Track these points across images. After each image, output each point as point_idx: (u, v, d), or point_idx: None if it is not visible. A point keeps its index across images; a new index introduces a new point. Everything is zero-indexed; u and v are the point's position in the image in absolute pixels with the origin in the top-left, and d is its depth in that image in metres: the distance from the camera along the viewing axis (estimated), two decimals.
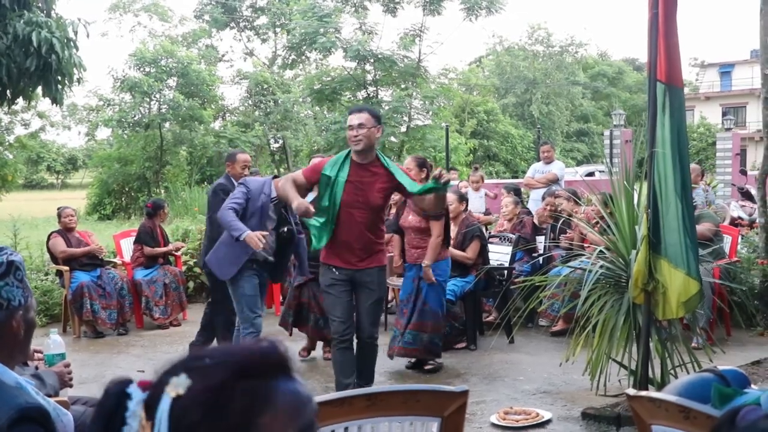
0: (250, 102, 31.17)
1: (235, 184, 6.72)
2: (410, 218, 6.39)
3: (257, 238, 5.34)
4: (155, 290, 8.36)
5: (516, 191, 9.48)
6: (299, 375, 1.04)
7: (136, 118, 25.88)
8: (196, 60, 27.59)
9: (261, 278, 5.83)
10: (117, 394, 1.04)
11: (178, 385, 0.97)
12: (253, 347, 1.01)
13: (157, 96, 25.48)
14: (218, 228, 6.29)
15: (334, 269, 5.14)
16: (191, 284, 9.49)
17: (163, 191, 25.49)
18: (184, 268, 9.19)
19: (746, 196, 13.30)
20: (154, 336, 8.05)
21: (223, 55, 34.99)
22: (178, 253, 9.20)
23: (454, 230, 7.34)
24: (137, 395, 1.02)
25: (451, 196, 7.62)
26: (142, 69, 25.18)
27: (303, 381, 1.03)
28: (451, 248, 7.11)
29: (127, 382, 1.05)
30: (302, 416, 0.98)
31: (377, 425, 2.34)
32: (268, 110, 29.61)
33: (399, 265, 7.42)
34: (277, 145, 31.23)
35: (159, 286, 8.39)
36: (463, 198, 7.50)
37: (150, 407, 0.99)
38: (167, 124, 26.23)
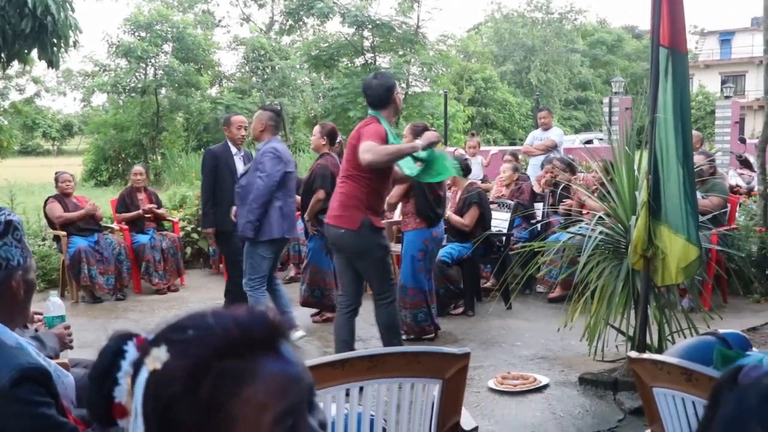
0: (247, 68, 30.96)
1: (232, 148, 6.70)
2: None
3: None
4: (154, 255, 8.36)
5: (514, 156, 9.47)
6: (293, 347, 0.98)
7: (132, 84, 25.71)
8: (192, 25, 27.35)
9: None
10: (113, 352, 1.01)
11: (157, 358, 0.93)
12: (241, 320, 0.95)
13: (153, 61, 25.28)
14: (203, 192, 6.55)
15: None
16: (188, 250, 9.50)
17: (159, 157, 25.43)
18: (181, 233, 9.18)
19: (744, 164, 13.27)
20: (152, 301, 8.06)
21: (219, 21, 34.73)
22: (176, 219, 9.21)
23: (455, 196, 7.33)
24: (131, 354, 1.00)
25: None
26: (136, 34, 24.96)
27: (295, 355, 0.97)
28: (450, 214, 7.12)
29: (127, 338, 1.02)
30: (286, 397, 0.93)
31: (378, 387, 2.34)
32: (266, 76, 29.44)
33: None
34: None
35: (158, 252, 8.39)
36: (465, 166, 7.41)
37: (135, 372, 0.97)
38: (163, 90, 26.07)
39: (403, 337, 6.33)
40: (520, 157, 10.78)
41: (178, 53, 25.45)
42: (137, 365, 0.97)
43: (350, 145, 5.01)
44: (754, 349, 2.38)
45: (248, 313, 0.96)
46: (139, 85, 25.52)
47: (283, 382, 0.94)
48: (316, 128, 6.77)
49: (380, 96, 5.03)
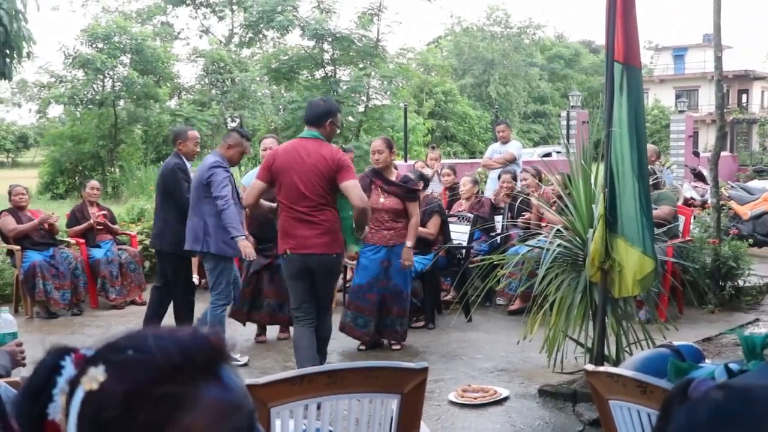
0: (206, 80, 30.77)
1: (187, 163, 6.59)
2: (382, 200, 6.30)
3: (247, 251, 5.65)
4: (111, 270, 8.24)
5: (452, 170, 9.66)
6: (234, 372, 0.94)
7: (89, 96, 25.37)
8: (151, 37, 27.11)
9: None
10: (50, 368, 0.97)
11: (93, 378, 0.90)
12: (183, 343, 0.91)
13: (111, 73, 24.99)
14: (177, 207, 6.24)
15: None
16: (147, 264, 9.37)
17: (117, 170, 25.10)
18: (139, 247, 9.05)
19: (698, 177, 13.54)
20: (109, 316, 7.94)
21: (178, 33, 34.49)
22: (134, 233, 9.10)
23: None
24: (68, 371, 0.95)
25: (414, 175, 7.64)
26: (94, 45, 24.67)
27: (236, 379, 0.95)
28: None
29: (65, 353, 0.98)
30: (227, 424, 0.90)
31: (337, 402, 2.33)
32: (225, 89, 29.28)
33: None
34: (234, 124, 30.88)
35: (115, 267, 8.27)
36: (423, 178, 7.50)
37: (71, 390, 0.93)
38: (121, 102, 25.77)
39: (362, 347, 6.39)
40: (480, 170, 10.86)
41: (137, 65, 25.20)
42: (73, 383, 0.93)
43: (321, 170, 5.00)
44: (707, 360, 2.41)
45: (190, 335, 0.93)
46: (97, 97, 25.19)
47: (222, 408, 0.90)
48: (270, 141, 6.73)
49: (318, 117, 5.12)
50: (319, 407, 2.33)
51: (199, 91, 31.00)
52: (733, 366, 1.96)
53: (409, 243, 6.16)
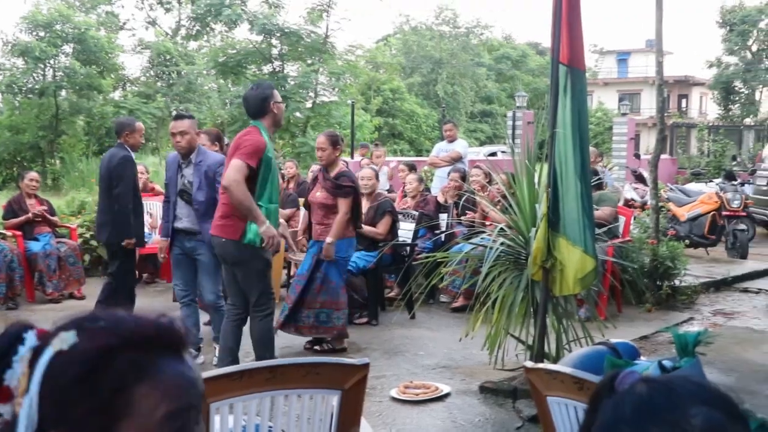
0: (152, 72, 30.28)
1: (132, 155, 6.49)
2: (318, 194, 6.28)
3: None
4: (48, 264, 8.05)
5: (412, 167, 9.60)
6: (191, 358, 1.02)
7: (29, 85, 24.74)
8: (95, 26, 26.55)
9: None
10: (11, 336, 1.01)
11: (64, 340, 0.96)
12: (151, 320, 1.00)
13: (52, 62, 24.41)
14: (123, 201, 6.14)
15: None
16: (87, 258, 9.19)
17: (58, 162, 24.55)
18: (79, 240, 8.87)
19: (639, 179, 13.82)
20: (46, 310, 7.76)
21: (124, 23, 33.82)
22: (74, 226, 8.91)
23: (366, 206, 7.37)
24: (30, 341, 1.00)
25: (368, 172, 7.63)
26: (35, 33, 24.06)
27: (193, 365, 1.02)
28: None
29: (27, 327, 1.03)
30: (180, 397, 0.97)
31: (277, 398, 2.32)
32: (171, 81, 28.87)
33: (301, 239, 7.42)
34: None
35: (53, 260, 8.08)
36: (377, 175, 7.55)
37: (35, 357, 0.98)
38: (63, 92, 25.18)
39: (308, 346, 6.33)
40: (426, 168, 10.91)
41: (80, 55, 24.65)
42: (38, 350, 0.98)
43: (230, 153, 5.01)
44: (642, 357, 2.46)
45: (161, 316, 1.01)
46: (37, 87, 24.58)
47: (180, 383, 0.98)
48: (204, 137, 6.67)
49: (257, 106, 5.08)
50: (259, 403, 2.31)
51: (144, 83, 30.48)
52: (667, 363, 2.01)
53: (329, 239, 6.06)
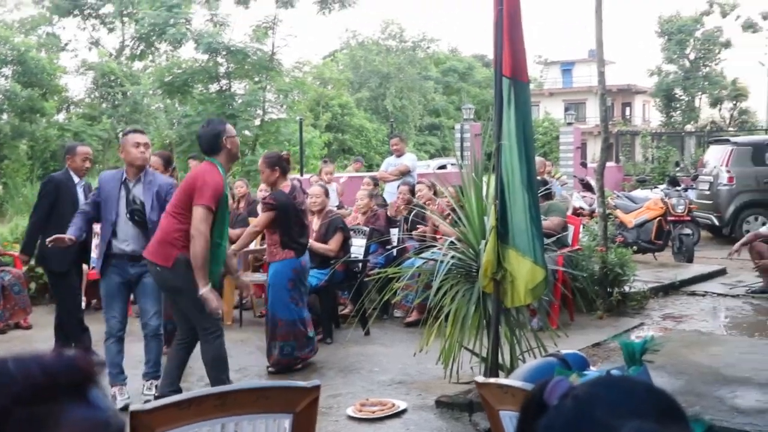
0: (96, 94, 29.78)
1: (75, 178, 6.37)
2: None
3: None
4: None
5: (376, 183, 9.63)
6: (103, 393, 0.96)
7: None
8: (36, 47, 26.08)
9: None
10: None
11: None
12: (47, 364, 0.92)
13: None
14: (58, 224, 5.99)
15: None
16: (33, 285, 8.97)
17: (1, 187, 23.99)
18: (24, 269, 8.65)
19: (587, 187, 14.03)
20: None
21: (66, 44, 33.27)
22: (17, 253, 8.68)
23: (317, 223, 7.36)
24: None
25: (317, 190, 7.60)
26: None
27: (105, 400, 0.95)
28: (312, 242, 7.12)
29: None
30: None
31: (227, 425, 2.28)
32: (116, 102, 28.43)
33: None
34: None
35: None
36: (327, 192, 7.56)
37: None
38: (5, 116, 24.65)
39: (271, 369, 6.23)
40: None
41: (20, 77, 24.17)
42: None
43: (186, 186, 4.93)
44: (592, 367, 2.49)
45: (55, 357, 0.93)
46: None
47: (88, 428, 0.92)
48: (156, 159, 6.57)
49: (210, 142, 5.02)
50: (209, 431, 2.27)
51: (89, 105, 29.97)
52: (615, 372, 2.02)
53: (233, 247, 6.06)
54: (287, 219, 6.14)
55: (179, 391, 5.00)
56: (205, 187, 4.80)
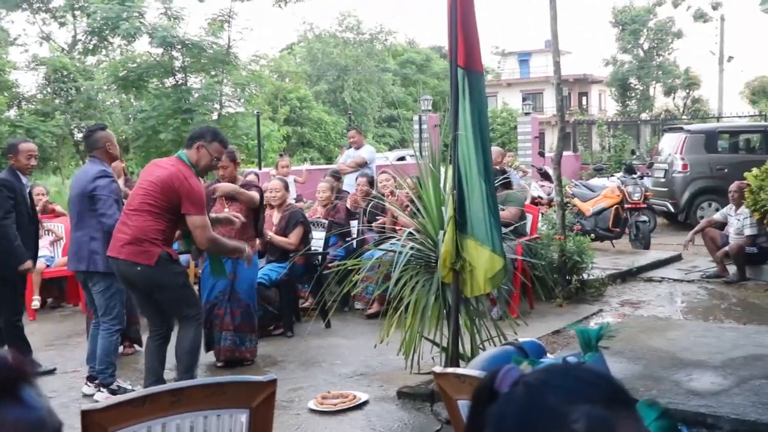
0: (49, 89, 29.24)
1: (22, 177, 6.15)
2: (227, 210, 6.23)
3: None
4: None
5: (336, 175, 9.59)
6: (37, 392, 0.94)
7: None
8: None
9: None
10: None
11: None
12: None
13: None
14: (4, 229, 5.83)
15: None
16: None
17: None
18: None
19: (545, 176, 14.15)
20: None
21: (15, 39, 32.59)
22: None
23: (276, 216, 7.33)
24: None
25: (277, 184, 7.55)
26: None
27: (39, 399, 0.94)
28: (272, 235, 7.12)
29: None
30: None
31: (183, 421, 2.25)
32: (70, 98, 27.94)
33: None
34: (81, 135, 29.55)
35: None
36: (287, 186, 7.54)
37: None
38: None
39: (219, 364, 6.19)
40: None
41: None
42: None
43: (164, 185, 4.86)
44: (549, 355, 2.50)
45: None
46: None
47: (22, 427, 0.90)
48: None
49: (190, 136, 5.12)
50: (164, 429, 2.24)
51: (41, 101, 29.40)
52: (571, 359, 2.03)
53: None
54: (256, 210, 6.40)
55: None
56: (191, 194, 4.84)
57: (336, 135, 37.25)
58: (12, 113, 27.92)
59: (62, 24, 32.55)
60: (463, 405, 2.32)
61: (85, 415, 2.08)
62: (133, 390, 5.22)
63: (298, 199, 10.61)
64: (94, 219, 5.42)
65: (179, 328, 5.12)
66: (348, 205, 8.57)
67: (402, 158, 20.02)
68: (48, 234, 8.69)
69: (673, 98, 35.34)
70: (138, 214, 4.88)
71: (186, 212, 4.84)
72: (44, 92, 29.87)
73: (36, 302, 8.18)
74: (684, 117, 31.14)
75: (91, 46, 25.43)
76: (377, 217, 7.81)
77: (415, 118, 20.56)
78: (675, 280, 9.15)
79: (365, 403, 5.16)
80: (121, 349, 6.23)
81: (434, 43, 53.06)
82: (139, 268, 4.86)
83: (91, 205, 5.42)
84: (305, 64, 41.56)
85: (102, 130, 5.68)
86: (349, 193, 9.47)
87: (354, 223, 8.35)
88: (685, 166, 13.94)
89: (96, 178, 5.41)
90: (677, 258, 10.31)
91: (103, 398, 5.16)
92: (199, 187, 4.95)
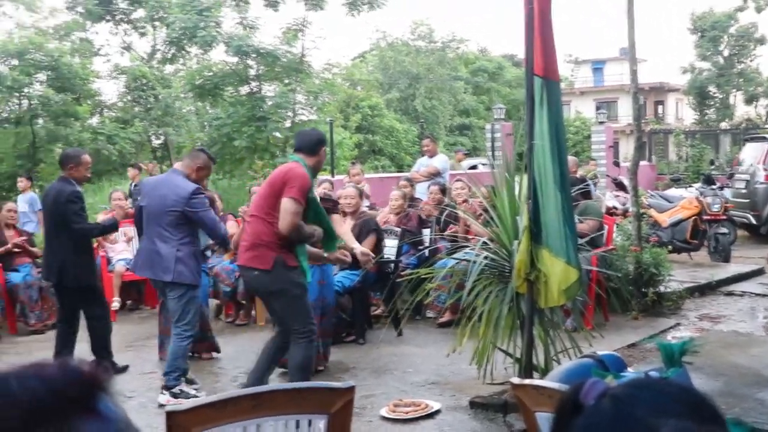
0: (129, 97, 30.11)
1: (77, 186, 6.20)
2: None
3: None
4: (30, 295, 7.96)
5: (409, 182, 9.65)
6: (114, 402, 0.90)
7: (4, 115, 24.57)
8: (69, 53, 26.43)
9: None
10: None
11: None
12: (50, 379, 0.86)
13: (26, 91, 24.24)
14: (73, 238, 5.99)
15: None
16: None
17: (37, 190, 24.36)
18: None
19: (620, 186, 13.90)
20: (30, 342, 7.67)
21: (99, 49, 33.68)
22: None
23: (350, 224, 7.36)
24: None
25: (351, 191, 7.61)
26: (7, 62, 23.91)
27: (116, 410, 0.90)
28: (357, 245, 7.15)
29: None
30: None
31: (263, 425, 2.28)
32: (149, 106, 28.71)
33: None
34: (158, 142, 30.34)
35: (34, 291, 7.99)
36: (361, 193, 7.60)
37: None
38: (40, 121, 25.02)
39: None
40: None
41: (54, 82, 24.50)
42: None
43: (271, 184, 4.97)
44: (629, 369, 2.45)
45: (59, 371, 0.87)
46: (12, 116, 24.42)
47: None
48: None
49: (311, 142, 5.16)
50: (244, 431, 2.28)
51: (122, 109, 30.32)
52: (653, 374, 1.99)
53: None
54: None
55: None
56: (292, 182, 4.85)
57: (407, 143, 37.35)
58: (94, 121, 28.86)
59: (142, 34, 33.49)
60: (541, 417, 2.29)
61: (170, 416, 2.14)
62: (197, 396, 5.29)
63: (372, 207, 10.65)
64: (184, 233, 5.50)
65: (293, 344, 5.07)
66: (421, 214, 8.57)
67: (474, 167, 19.94)
68: (123, 236, 8.94)
69: (755, 107, 34.24)
70: (254, 218, 5.01)
71: (284, 195, 4.83)
72: (124, 100, 30.79)
73: (116, 304, 8.42)
74: (766, 126, 30.16)
75: (169, 56, 26.09)
76: (450, 226, 7.78)
77: (488, 126, 20.45)
78: (757, 294, 8.86)
79: (437, 412, 5.15)
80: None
81: (506, 51, 52.72)
82: (255, 273, 4.97)
83: (182, 220, 5.48)
84: (377, 72, 41.77)
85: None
86: (421, 200, 9.47)
87: (426, 232, 8.34)
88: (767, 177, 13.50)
89: (191, 196, 5.45)
90: (759, 272, 9.98)
91: (165, 401, 5.28)
92: (305, 177, 4.92)
